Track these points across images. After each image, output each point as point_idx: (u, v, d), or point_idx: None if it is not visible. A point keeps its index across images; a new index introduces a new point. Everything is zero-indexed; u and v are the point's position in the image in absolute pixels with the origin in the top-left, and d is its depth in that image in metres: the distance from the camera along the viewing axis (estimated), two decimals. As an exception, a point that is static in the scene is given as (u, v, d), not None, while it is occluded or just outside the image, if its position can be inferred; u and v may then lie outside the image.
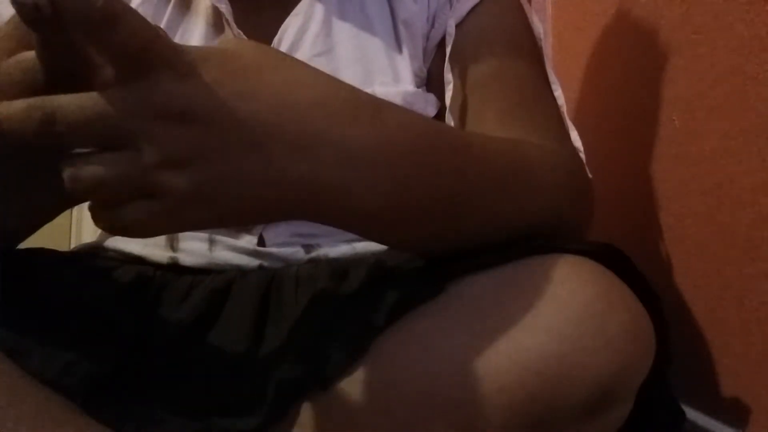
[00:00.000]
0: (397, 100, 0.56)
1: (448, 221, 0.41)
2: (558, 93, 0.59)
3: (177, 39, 0.56)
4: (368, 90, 0.54)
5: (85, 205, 0.34)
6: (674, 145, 0.68)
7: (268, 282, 0.52)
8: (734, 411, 0.58)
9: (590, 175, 0.56)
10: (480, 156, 0.42)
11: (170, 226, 0.34)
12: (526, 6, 0.61)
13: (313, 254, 0.56)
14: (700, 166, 0.64)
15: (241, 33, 0.56)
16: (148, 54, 0.30)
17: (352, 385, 0.41)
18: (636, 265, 0.42)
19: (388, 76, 0.58)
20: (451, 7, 0.60)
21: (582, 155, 0.57)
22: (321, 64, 0.55)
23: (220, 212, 0.33)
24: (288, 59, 0.36)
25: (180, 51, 0.31)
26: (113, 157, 0.30)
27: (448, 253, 0.43)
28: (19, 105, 0.29)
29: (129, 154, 0.30)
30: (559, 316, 0.37)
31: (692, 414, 0.62)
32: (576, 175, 0.51)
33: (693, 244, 0.65)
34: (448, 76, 0.58)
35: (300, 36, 0.57)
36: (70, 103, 0.29)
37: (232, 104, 0.32)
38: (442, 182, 0.39)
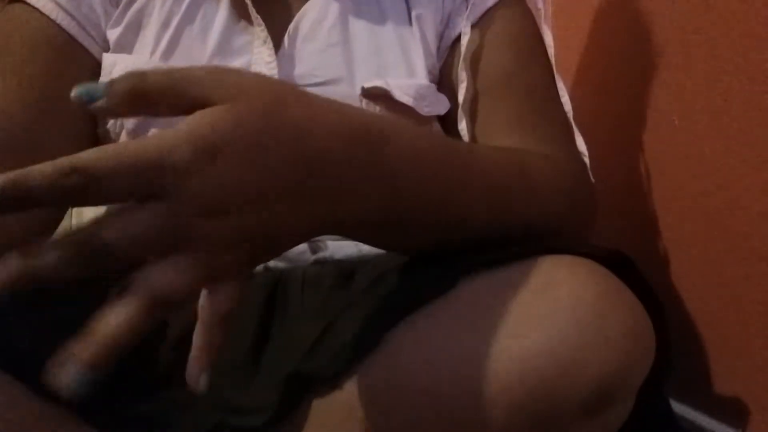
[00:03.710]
0: (410, 93, 0.57)
1: (447, 228, 0.42)
2: (565, 99, 0.60)
3: (198, 22, 0.56)
4: (382, 83, 0.55)
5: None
6: (674, 145, 0.68)
7: (274, 283, 0.52)
8: (734, 411, 0.58)
9: (593, 180, 0.57)
10: (481, 168, 0.43)
11: (205, 279, 0.31)
12: (536, 15, 0.62)
13: (320, 255, 0.56)
14: (700, 166, 0.64)
15: (259, 19, 0.56)
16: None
17: (356, 385, 0.41)
18: (641, 272, 0.43)
19: (402, 69, 0.59)
20: (467, 8, 0.60)
21: (586, 159, 0.57)
22: (336, 54, 0.57)
23: (257, 256, 0.33)
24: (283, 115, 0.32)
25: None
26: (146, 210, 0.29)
27: (449, 251, 0.44)
28: (47, 166, 0.28)
29: (162, 205, 0.29)
30: (560, 316, 0.37)
31: (692, 414, 0.62)
32: (578, 182, 0.51)
33: (693, 244, 0.66)
34: (462, 75, 0.58)
35: (316, 25, 0.58)
36: (98, 157, 0.28)
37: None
38: (444, 194, 0.40)
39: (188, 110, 0.30)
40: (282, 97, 0.32)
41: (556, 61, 0.60)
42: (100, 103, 0.30)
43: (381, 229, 0.38)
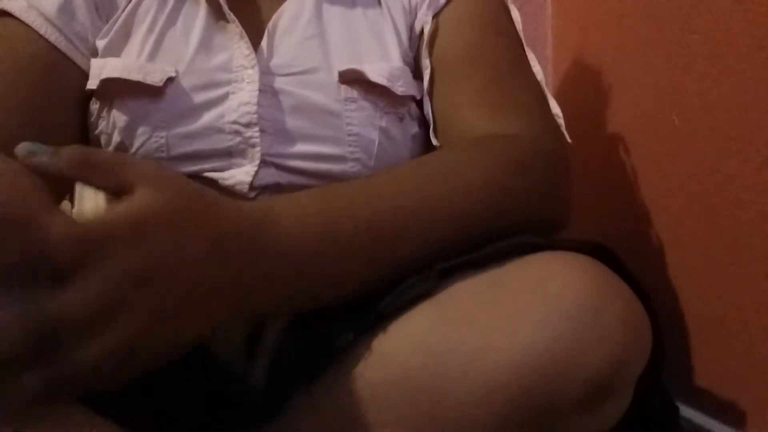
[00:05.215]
0: (384, 74, 0.58)
1: (390, 270, 0.43)
2: (537, 69, 0.60)
3: (179, 24, 0.59)
4: (356, 66, 0.57)
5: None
6: (674, 145, 0.69)
7: None
8: (734, 411, 0.58)
9: (568, 140, 0.56)
10: (391, 204, 0.44)
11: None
12: None
13: None
14: (700, 166, 0.64)
15: (232, 15, 0.58)
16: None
17: (351, 382, 0.42)
18: (626, 264, 0.43)
19: (376, 55, 0.60)
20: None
21: (560, 120, 0.57)
22: (313, 45, 0.58)
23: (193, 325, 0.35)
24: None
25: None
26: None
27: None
28: None
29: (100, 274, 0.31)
30: (554, 311, 0.37)
31: (692, 414, 0.62)
32: (538, 152, 0.51)
33: (692, 244, 0.66)
34: (426, 62, 0.60)
35: (293, 21, 0.60)
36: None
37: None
38: (353, 247, 0.41)
39: (116, 190, 0.34)
40: (196, 193, 0.36)
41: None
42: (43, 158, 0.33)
43: (313, 297, 0.41)
